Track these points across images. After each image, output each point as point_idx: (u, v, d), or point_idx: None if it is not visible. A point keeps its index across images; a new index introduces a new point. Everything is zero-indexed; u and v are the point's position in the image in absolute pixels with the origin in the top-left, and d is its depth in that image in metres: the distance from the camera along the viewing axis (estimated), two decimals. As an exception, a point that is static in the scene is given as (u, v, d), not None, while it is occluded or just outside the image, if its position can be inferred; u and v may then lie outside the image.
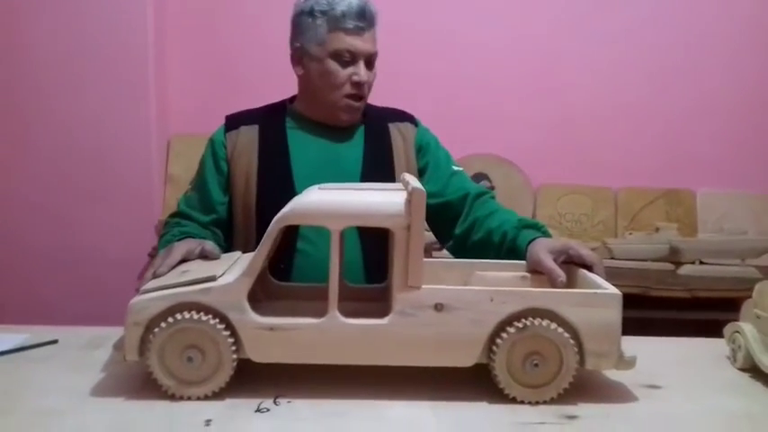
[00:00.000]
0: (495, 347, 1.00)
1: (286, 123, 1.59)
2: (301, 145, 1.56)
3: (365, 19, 1.48)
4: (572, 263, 1.21)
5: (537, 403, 1.01)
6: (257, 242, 1.47)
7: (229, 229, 1.56)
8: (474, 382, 1.05)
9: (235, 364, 1.00)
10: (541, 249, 1.22)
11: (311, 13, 1.49)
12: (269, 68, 2.54)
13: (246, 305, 1.00)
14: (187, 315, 0.99)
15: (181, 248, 1.21)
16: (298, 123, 1.59)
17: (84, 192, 2.78)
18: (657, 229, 2.77)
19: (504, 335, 1.00)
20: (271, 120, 1.60)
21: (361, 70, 1.49)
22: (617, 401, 1.04)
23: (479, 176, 2.95)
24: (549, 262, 1.18)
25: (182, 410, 0.97)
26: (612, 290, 1.03)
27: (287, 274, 1.45)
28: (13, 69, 2.71)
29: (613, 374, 1.12)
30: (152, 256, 2.81)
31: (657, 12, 2.98)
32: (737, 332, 1.21)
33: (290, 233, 1.44)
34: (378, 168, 1.53)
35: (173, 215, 1.58)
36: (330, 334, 1.00)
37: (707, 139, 3.00)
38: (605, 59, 2.99)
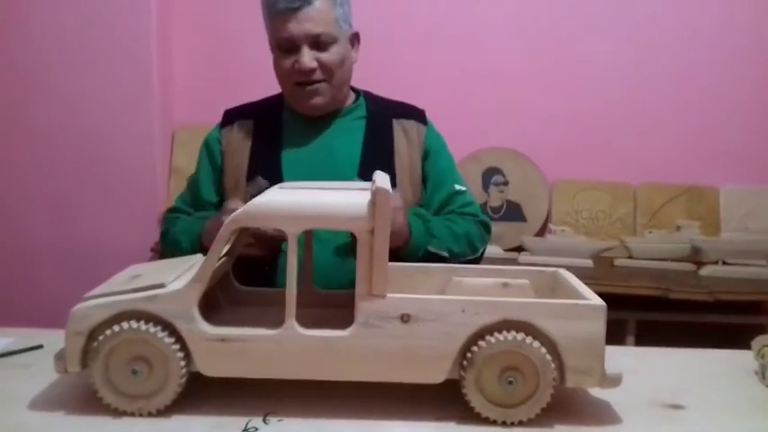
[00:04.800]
0: (465, 363, 0.91)
1: (282, 118, 1.51)
2: (295, 142, 1.48)
3: None
4: None
5: (512, 424, 0.92)
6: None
7: None
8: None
9: (184, 379, 0.93)
10: None
11: (262, 7, 1.45)
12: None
13: (196, 314, 0.92)
14: (135, 325, 0.91)
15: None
16: (294, 118, 1.51)
17: (87, 184, 2.74)
18: (678, 228, 2.65)
19: (476, 349, 0.91)
20: (267, 114, 1.52)
21: (303, 56, 1.38)
22: (637, 425, 0.94)
23: (492, 171, 2.85)
24: None
25: (163, 428, 0.90)
26: (596, 300, 0.93)
27: (272, 277, 1.37)
28: (16, 60, 2.66)
29: (635, 392, 1.03)
30: (154, 250, 2.77)
31: (681, 2, 2.84)
32: (767, 346, 1.11)
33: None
34: (377, 168, 1.43)
35: (171, 210, 1.54)
36: (286, 346, 0.92)
37: (731, 133, 2.84)
38: (624, 50, 2.86)
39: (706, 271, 2.53)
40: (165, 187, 2.88)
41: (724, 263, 2.54)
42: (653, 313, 2.42)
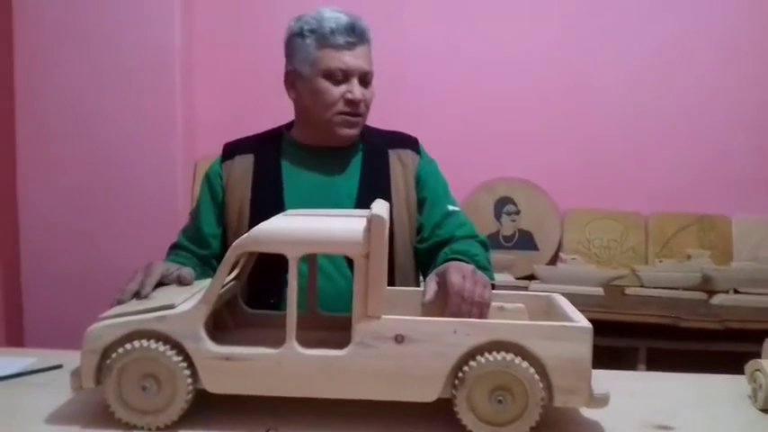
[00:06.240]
0: (457, 382, 0.96)
1: (281, 152, 1.56)
2: (295, 176, 1.53)
3: (355, 34, 1.46)
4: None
5: (502, 442, 0.96)
6: (249, 276, 1.44)
7: None
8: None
9: (191, 395, 0.98)
10: (439, 269, 1.23)
11: (301, 33, 1.49)
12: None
13: (203, 334, 0.98)
14: (145, 343, 0.97)
15: (159, 269, 1.20)
16: (293, 151, 1.56)
17: (111, 214, 2.82)
18: (689, 257, 2.66)
19: (467, 369, 0.95)
20: (265, 149, 1.57)
21: (354, 88, 1.46)
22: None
23: (505, 200, 2.90)
24: (431, 281, 1.20)
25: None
26: (583, 322, 0.98)
27: (278, 308, 1.40)
28: (42, 90, 2.76)
29: (628, 413, 1.07)
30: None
31: (690, 29, 2.89)
32: (758, 370, 1.13)
33: (279, 266, 1.41)
34: (373, 199, 1.48)
35: (172, 246, 1.57)
36: (287, 365, 0.97)
37: (743, 162, 2.87)
38: (635, 80, 2.91)
39: (717, 300, 2.54)
40: (186, 216, 2.95)
41: (735, 291, 2.55)
42: (664, 341, 2.42)
